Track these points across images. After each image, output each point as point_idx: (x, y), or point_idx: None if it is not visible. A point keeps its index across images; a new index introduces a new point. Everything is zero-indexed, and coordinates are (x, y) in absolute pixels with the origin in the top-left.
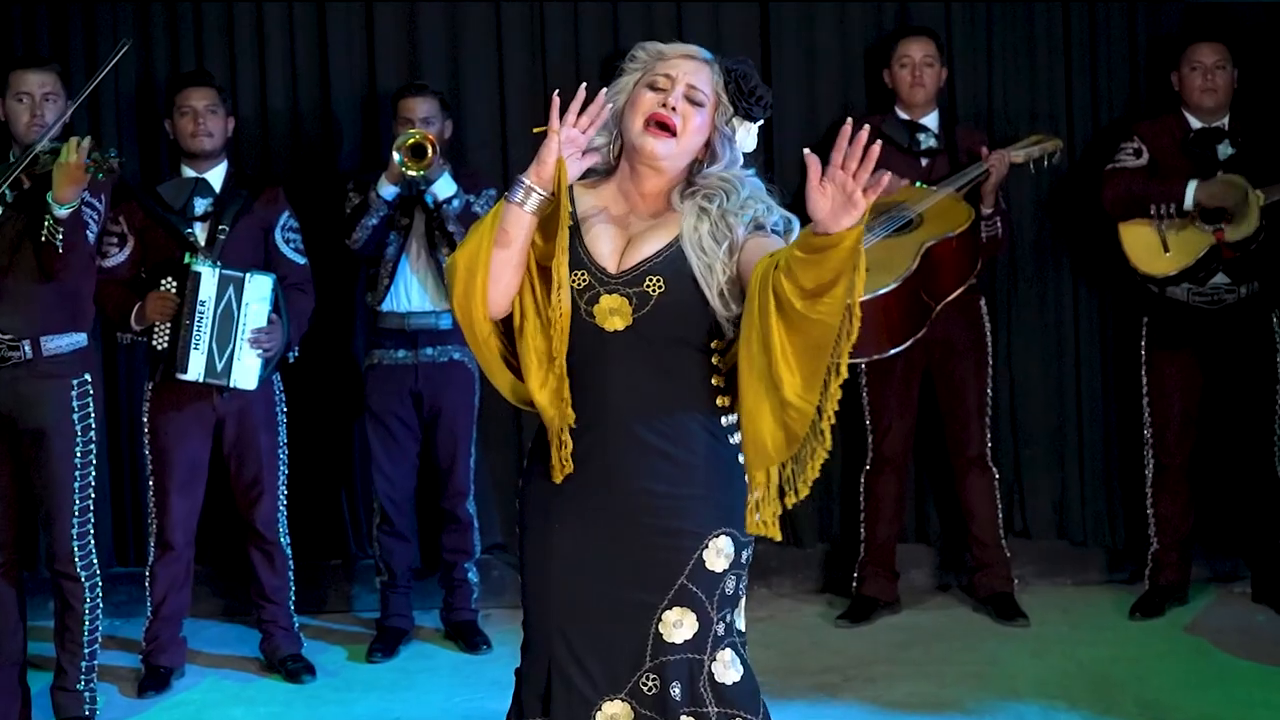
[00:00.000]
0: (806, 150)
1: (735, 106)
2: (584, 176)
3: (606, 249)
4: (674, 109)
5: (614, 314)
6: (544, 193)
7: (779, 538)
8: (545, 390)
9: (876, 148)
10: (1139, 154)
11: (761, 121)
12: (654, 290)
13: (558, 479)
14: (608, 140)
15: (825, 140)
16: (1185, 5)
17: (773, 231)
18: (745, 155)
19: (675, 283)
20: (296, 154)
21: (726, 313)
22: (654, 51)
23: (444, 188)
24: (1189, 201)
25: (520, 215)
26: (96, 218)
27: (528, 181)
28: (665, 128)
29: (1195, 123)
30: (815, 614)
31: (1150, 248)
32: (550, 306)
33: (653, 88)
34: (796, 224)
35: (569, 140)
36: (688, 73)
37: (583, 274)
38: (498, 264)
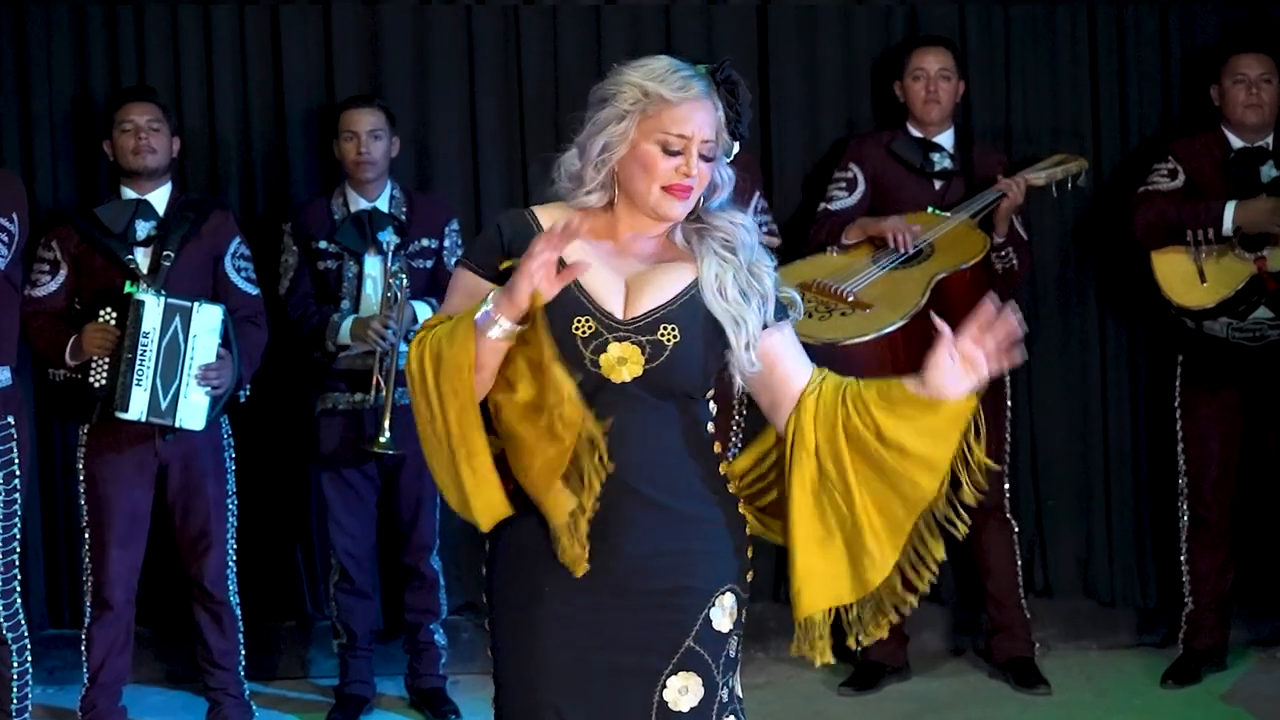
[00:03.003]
0: (937, 320)
1: (732, 134)
2: (548, 201)
3: (609, 292)
4: (692, 175)
5: (623, 364)
6: (513, 325)
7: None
8: (555, 478)
9: (1014, 322)
10: (1174, 175)
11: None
12: (669, 339)
13: (579, 571)
14: (599, 192)
15: (827, 161)
16: (1223, 11)
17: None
18: None
19: (690, 330)
20: (246, 173)
21: (750, 369)
22: (655, 95)
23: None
24: (1228, 225)
25: (493, 344)
26: (6, 239)
27: (494, 313)
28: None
29: (1236, 141)
30: (817, 680)
31: (1186, 278)
32: (554, 418)
33: (666, 150)
34: (774, 267)
35: (543, 264)
36: (700, 127)
37: (587, 320)
38: (478, 386)
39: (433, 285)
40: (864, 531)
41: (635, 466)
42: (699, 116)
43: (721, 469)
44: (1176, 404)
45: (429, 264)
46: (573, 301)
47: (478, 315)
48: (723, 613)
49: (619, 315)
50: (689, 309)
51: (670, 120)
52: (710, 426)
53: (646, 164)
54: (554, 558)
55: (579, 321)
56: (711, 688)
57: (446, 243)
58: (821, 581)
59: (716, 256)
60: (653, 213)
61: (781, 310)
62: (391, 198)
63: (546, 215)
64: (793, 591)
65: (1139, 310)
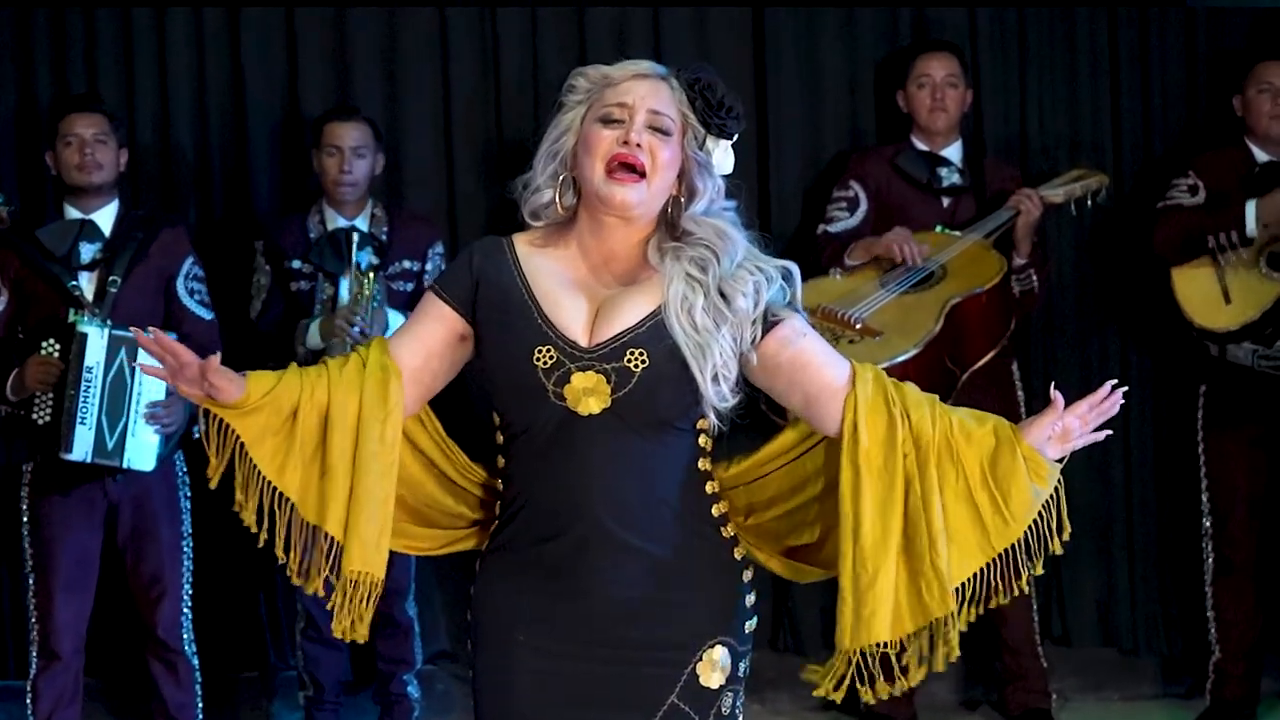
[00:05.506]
0: (1055, 393)
1: (707, 125)
2: (526, 227)
3: (572, 318)
4: (638, 145)
5: (589, 394)
6: None
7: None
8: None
9: (1117, 399)
10: (1194, 191)
11: (736, 137)
12: (637, 365)
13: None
14: (554, 191)
15: (828, 174)
16: (1252, 14)
17: (778, 305)
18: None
19: (660, 356)
20: (204, 188)
21: (721, 402)
22: (597, 77)
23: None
24: (1251, 225)
25: None
26: None
27: None
28: (632, 169)
29: (1262, 155)
30: None
31: (1209, 297)
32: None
33: (607, 122)
34: (795, 270)
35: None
36: (644, 96)
37: (548, 350)
38: None
39: (412, 308)
40: (934, 549)
41: (612, 508)
42: (644, 87)
43: (716, 510)
44: (1200, 439)
45: (409, 286)
46: (534, 331)
47: None
48: (711, 668)
49: (583, 343)
50: (657, 332)
51: (612, 95)
52: (702, 461)
53: (589, 142)
54: (527, 610)
55: (540, 352)
56: None
57: (429, 265)
58: (888, 604)
59: (686, 277)
60: (604, 205)
61: (785, 299)
62: (372, 216)
63: (524, 242)
64: (850, 616)
65: (1160, 337)
